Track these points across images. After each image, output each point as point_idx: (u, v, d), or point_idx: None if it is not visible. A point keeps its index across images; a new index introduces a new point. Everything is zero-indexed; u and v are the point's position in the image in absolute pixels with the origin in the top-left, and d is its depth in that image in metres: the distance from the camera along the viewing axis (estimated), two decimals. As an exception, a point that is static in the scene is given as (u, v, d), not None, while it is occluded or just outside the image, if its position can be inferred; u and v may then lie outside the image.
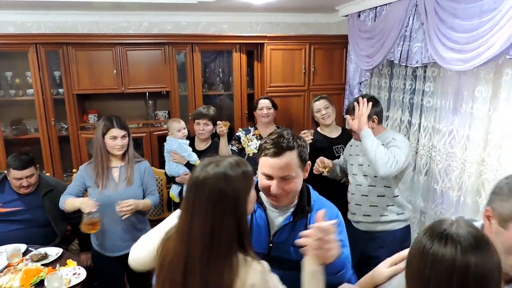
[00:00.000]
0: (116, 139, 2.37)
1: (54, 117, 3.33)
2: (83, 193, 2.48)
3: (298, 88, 3.63)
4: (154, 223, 1.73)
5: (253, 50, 3.63)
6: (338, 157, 2.74)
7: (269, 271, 1.15)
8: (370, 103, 2.20)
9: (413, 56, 2.51)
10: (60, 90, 3.39)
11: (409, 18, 2.55)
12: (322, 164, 2.44)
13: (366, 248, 2.30)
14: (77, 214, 2.72)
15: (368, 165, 2.23)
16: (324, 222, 1.17)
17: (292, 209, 1.40)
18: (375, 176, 2.22)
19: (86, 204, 2.26)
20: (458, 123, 2.25)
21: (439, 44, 2.19)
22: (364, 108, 2.18)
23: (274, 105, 3.14)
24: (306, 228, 1.27)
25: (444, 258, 0.87)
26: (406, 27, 2.57)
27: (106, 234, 2.41)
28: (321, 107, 2.84)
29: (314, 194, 1.44)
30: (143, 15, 3.66)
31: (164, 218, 1.45)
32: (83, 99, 3.61)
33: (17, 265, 2.22)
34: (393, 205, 2.26)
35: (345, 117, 3.04)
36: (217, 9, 3.64)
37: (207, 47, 3.54)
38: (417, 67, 2.60)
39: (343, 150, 2.73)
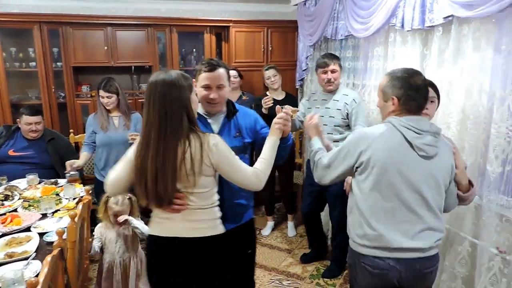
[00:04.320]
0: (103, 99, 3.07)
1: (54, 86, 3.92)
2: (94, 139, 3.14)
3: (258, 64, 4.31)
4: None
5: (221, 32, 4.32)
6: None
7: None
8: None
9: (339, 31, 3.33)
10: (58, 64, 3.94)
11: (336, 3, 3.35)
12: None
13: None
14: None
15: (330, 116, 2.88)
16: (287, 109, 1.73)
17: (223, 115, 1.93)
18: (336, 126, 2.88)
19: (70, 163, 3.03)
20: (367, 77, 3.06)
21: (352, 20, 3.01)
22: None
23: (240, 75, 3.93)
24: (237, 124, 1.91)
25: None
26: (335, 10, 3.38)
27: (109, 166, 3.09)
28: (271, 75, 3.61)
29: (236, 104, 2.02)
30: (128, 3, 4.26)
31: None
32: (77, 73, 4.15)
33: (35, 186, 2.89)
34: None
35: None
36: (192, -1, 4.34)
37: (183, 28, 4.16)
38: (341, 40, 3.42)
39: None
